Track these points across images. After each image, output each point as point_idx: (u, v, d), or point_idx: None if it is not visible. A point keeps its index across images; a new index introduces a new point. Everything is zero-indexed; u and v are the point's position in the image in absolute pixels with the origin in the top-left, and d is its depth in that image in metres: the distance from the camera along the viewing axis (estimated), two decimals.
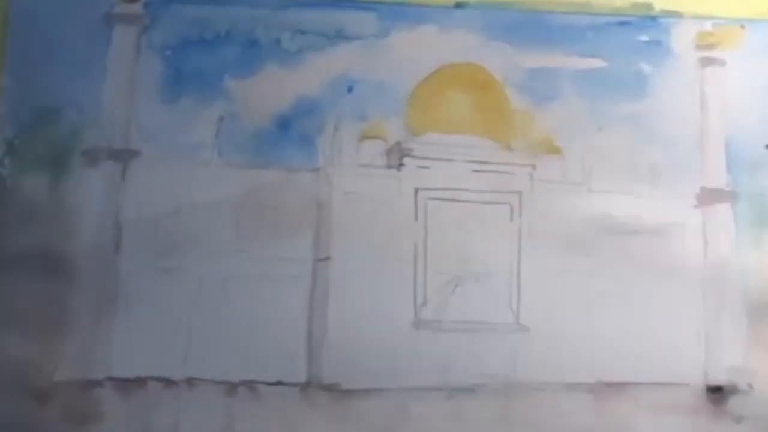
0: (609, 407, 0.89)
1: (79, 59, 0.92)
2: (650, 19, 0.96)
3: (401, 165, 0.93)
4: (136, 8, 0.93)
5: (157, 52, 0.93)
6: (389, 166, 0.93)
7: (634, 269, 0.91)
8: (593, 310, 0.90)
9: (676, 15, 0.96)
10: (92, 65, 0.92)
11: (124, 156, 0.90)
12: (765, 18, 0.96)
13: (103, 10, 0.93)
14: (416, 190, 0.92)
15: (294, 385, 0.87)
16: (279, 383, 0.87)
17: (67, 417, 0.85)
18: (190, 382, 0.87)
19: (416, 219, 0.92)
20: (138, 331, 0.87)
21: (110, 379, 0.86)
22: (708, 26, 0.96)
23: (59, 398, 0.85)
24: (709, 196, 0.93)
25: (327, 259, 0.90)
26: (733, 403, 0.89)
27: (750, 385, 0.90)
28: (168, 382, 0.86)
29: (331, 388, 0.87)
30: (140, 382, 0.86)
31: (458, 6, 0.95)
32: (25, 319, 0.86)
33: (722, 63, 0.95)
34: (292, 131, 0.92)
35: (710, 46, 0.96)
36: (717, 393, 0.89)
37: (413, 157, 0.93)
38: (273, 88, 0.92)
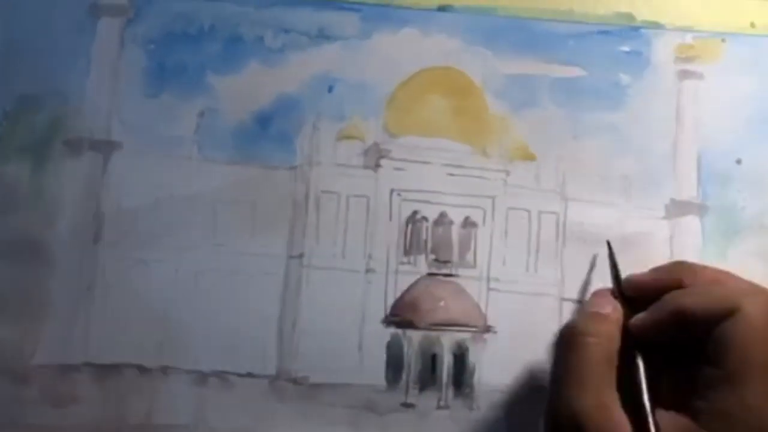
0: None
1: (63, 49, 0.93)
2: (632, 30, 0.96)
3: (378, 166, 0.94)
4: (122, 0, 0.94)
5: (141, 46, 0.94)
6: (366, 167, 0.94)
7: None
8: (561, 316, 0.92)
9: (657, 26, 0.97)
10: (76, 55, 0.93)
11: (106, 147, 0.92)
12: (745, 32, 0.97)
13: (88, 1, 0.94)
14: (392, 191, 0.94)
15: (264, 377, 0.90)
16: (249, 375, 0.90)
17: (44, 399, 0.88)
18: (164, 370, 0.89)
19: (390, 219, 0.93)
20: (115, 319, 0.90)
21: (87, 364, 0.89)
22: (689, 39, 0.97)
23: (37, 381, 0.88)
24: (678, 208, 0.94)
25: (300, 255, 0.92)
26: None
27: None
28: (143, 369, 0.89)
29: (299, 382, 0.90)
30: (116, 368, 0.89)
31: (441, 9, 0.95)
32: (4, 304, 0.89)
33: (700, 76, 0.96)
34: (271, 129, 0.93)
35: (689, 59, 0.96)
36: None
37: (390, 158, 0.94)
38: (255, 86, 0.93)
